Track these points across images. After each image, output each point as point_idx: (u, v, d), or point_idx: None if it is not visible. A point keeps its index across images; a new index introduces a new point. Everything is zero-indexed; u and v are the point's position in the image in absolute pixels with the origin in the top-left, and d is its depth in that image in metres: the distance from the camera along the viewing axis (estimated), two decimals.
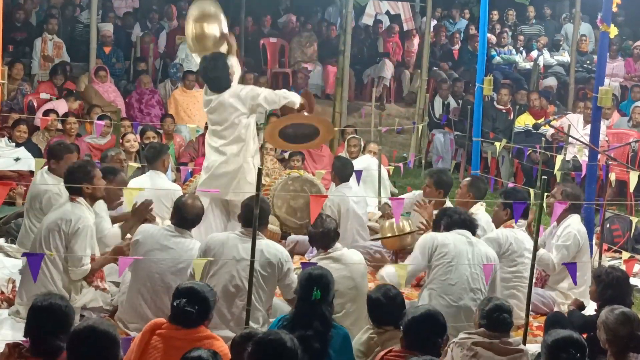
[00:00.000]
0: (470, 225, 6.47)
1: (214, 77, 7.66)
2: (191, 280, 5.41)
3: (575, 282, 6.62)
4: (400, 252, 8.12)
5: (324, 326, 5.06)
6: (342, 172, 8.73)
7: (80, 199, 6.42)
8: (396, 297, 5.45)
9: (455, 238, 6.30)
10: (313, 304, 5.08)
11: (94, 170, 6.60)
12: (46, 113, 11.17)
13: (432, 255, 6.20)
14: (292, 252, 8.24)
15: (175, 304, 4.79)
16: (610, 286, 5.73)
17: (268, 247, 6.07)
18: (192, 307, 4.76)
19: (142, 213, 6.97)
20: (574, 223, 7.24)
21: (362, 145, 11.34)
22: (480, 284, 6.20)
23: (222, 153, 7.68)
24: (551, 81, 15.69)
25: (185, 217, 6.34)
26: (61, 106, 11.78)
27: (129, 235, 6.98)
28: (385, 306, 5.38)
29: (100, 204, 6.89)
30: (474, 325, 5.38)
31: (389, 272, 6.36)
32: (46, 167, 7.75)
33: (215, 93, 7.66)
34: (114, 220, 7.16)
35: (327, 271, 5.34)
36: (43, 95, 12.25)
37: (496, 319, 5.12)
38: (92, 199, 6.54)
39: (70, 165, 6.84)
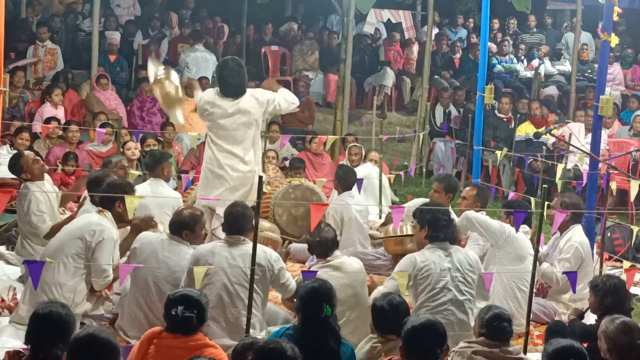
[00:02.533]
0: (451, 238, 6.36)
1: (236, 83, 7.65)
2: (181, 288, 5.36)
3: (574, 291, 6.63)
4: (399, 258, 8.11)
5: (337, 342, 5.05)
6: (345, 180, 8.72)
7: (107, 213, 6.45)
8: (400, 306, 5.41)
9: (432, 254, 6.18)
10: (323, 319, 5.05)
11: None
12: (47, 121, 11.19)
13: (414, 278, 6.07)
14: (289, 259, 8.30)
15: (173, 312, 4.77)
16: (609, 293, 5.76)
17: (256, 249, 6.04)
18: (190, 312, 4.76)
19: (142, 228, 6.96)
20: (576, 235, 7.23)
21: (363, 153, 11.35)
22: (468, 293, 6.17)
23: (242, 159, 7.66)
24: (552, 90, 15.71)
25: (173, 223, 6.33)
26: (46, 110, 11.85)
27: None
28: (389, 314, 5.35)
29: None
30: (473, 334, 5.37)
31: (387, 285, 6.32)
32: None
33: (230, 98, 7.64)
34: None
35: (330, 284, 5.32)
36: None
37: (496, 328, 5.11)
38: (118, 220, 6.54)
39: (112, 181, 6.86)
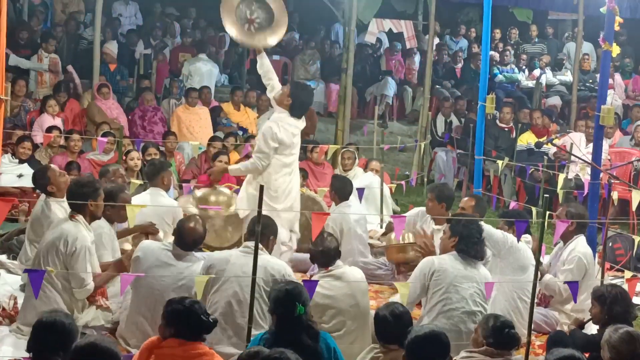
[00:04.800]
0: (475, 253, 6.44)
1: (308, 104, 8.04)
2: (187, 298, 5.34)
3: (575, 300, 6.62)
4: (402, 266, 8.11)
5: (313, 339, 5.10)
6: (342, 191, 8.72)
7: (80, 217, 6.41)
8: (402, 316, 5.37)
9: (452, 261, 6.30)
10: (296, 319, 5.11)
11: (101, 189, 6.64)
12: (49, 130, 11.20)
13: (430, 279, 6.19)
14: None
15: (203, 318, 4.79)
16: (617, 301, 5.77)
17: (270, 262, 6.09)
18: (207, 317, 4.82)
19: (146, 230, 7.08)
20: (579, 246, 7.22)
21: (357, 158, 11.35)
22: (481, 306, 6.20)
23: (296, 174, 7.95)
24: (555, 100, 15.71)
25: (183, 240, 6.33)
26: (45, 119, 11.88)
27: (128, 247, 7.00)
28: (391, 324, 5.32)
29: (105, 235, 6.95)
30: (472, 344, 5.36)
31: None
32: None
33: (297, 119, 7.84)
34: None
35: (301, 286, 5.38)
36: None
37: (506, 336, 5.10)
38: (92, 218, 6.58)
39: (78, 180, 6.85)
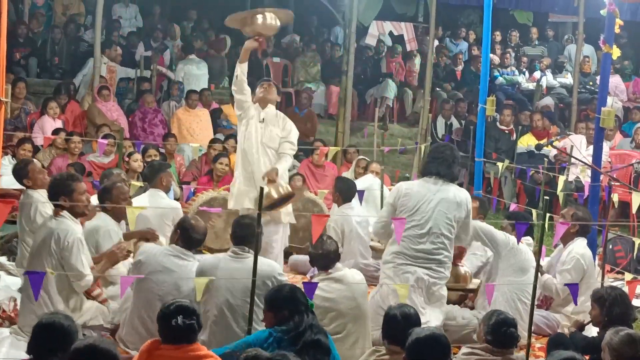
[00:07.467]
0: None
1: None
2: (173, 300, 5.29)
3: (575, 302, 6.62)
4: None
5: (325, 334, 5.11)
6: (346, 192, 8.71)
7: (64, 213, 6.37)
8: (412, 317, 5.34)
9: (420, 186, 6.59)
10: (306, 316, 5.15)
11: (75, 184, 6.46)
12: (56, 132, 11.22)
13: (396, 203, 6.55)
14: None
15: (173, 323, 4.73)
16: (616, 303, 5.78)
17: (261, 263, 5.92)
18: (190, 320, 4.73)
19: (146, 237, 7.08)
20: (578, 247, 7.23)
21: (367, 165, 11.34)
22: (444, 228, 6.48)
23: None
24: (548, 100, 15.67)
25: (194, 237, 6.30)
26: (45, 122, 11.89)
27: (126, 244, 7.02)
28: (400, 324, 5.27)
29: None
30: (477, 337, 5.35)
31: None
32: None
33: None
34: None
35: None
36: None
37: (503, 334, 5.10)
38: (73, 214, 6.45)
39: (53, 178, 6.87)
